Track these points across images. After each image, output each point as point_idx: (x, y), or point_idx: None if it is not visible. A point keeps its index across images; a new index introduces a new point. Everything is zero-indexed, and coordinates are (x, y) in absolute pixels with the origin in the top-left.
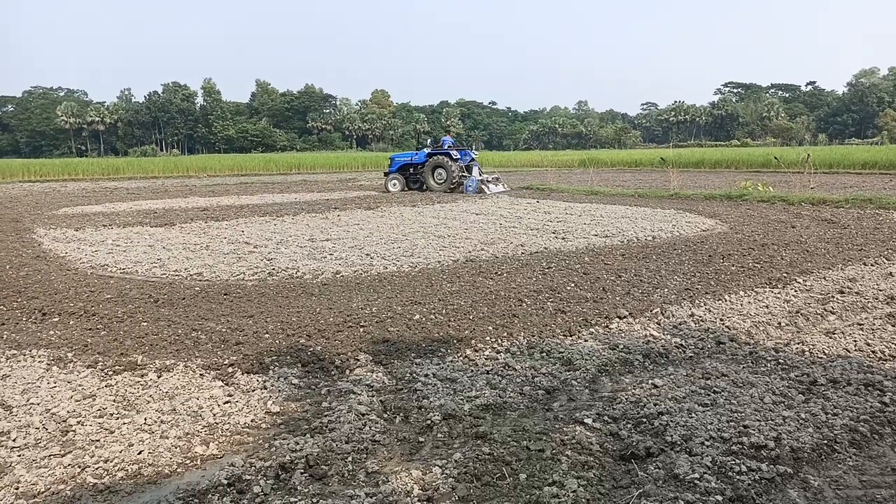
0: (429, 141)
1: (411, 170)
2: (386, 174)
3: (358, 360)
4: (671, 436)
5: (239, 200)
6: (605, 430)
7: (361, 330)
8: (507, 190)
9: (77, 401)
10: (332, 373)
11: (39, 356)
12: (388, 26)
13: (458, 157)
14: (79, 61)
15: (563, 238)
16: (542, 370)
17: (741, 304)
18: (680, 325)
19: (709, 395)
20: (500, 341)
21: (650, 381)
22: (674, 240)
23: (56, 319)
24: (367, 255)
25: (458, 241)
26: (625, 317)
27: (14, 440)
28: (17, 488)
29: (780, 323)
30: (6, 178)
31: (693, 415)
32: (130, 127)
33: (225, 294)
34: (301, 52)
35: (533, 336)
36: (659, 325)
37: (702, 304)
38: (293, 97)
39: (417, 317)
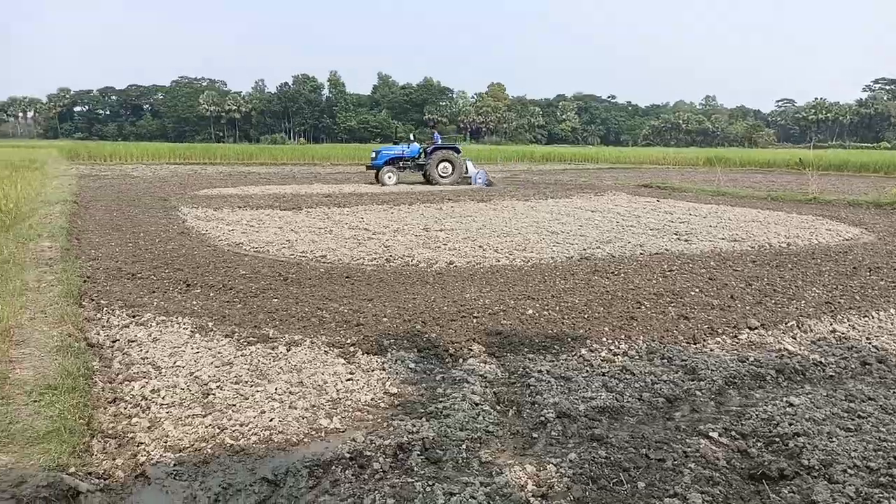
0: (412, 136)
1: (400, 163)
2: (369, 167)
3: (471, 350)
4: (808, 459)
5: (359, 189)
6: (732, 446)
7: (474, 321)
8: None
9: (216, 366)
10: (446, 360)
11: (184, 323)
12: (508, 17)
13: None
14: (220, 53)
15: (687, 240)
16: (663, 377)
17: (892, 323)
18: (819, 340)
19: (853, 419)
20: (617, 343)
21: (784, 399)
22: (812, 248)
23: (198, 291)
24: (480, 246)
25: (572, 237)
26: (756, 328)
27: (163, 398)
28: (165, 442)
29: None
30: (156, 160)
31: (834, 439)
32: (263, 116)
33: (346, 277)
34: (422, 45)
35: (653, 341)
36: (795, 339)
37: (845, 320)
38: (412, 90)
39: (530, 312)
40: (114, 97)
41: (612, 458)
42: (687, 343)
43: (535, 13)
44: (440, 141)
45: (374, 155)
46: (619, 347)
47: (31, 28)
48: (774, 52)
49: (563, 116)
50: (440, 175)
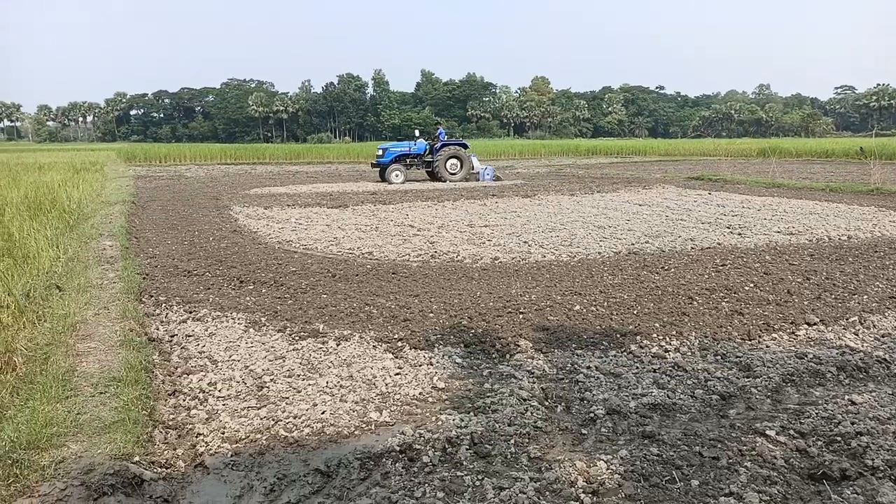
0: (417, 133)
1: (407, 160)
2: (374, 165)
3: (518, 345)
4: (872, 459)
5: (403, 186)
6: (790, 445)
7: (521, 316)
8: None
9: (270, 360)
10: (493, 356)
11: (238, 319)
12: (551, 10)
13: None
14: (268, 55)
15: (740, 234)
16: (717, 374)
17: None
18: (883, 337)
19: None
20: (668, 340)
21: (846, 397)
22: (874, 241)
23: (251, 287)
24: (525, 242)
25: (619, 232)
26: (815, 324)
27: (219, 391)
28: (222, 433)
29: None
30: (208, 161)
31: None
32: (309, 116)
33: (393, 273)
34: (465, 40)
35: (705, 337)
36: (856, 335)
37: None
38: (455, 86)
39: (577, 307)
40: (167, 100)
41: (664, 456)
42: (741, 339)
43: (579, 5)
44: (445, 137)
45: (380, 153)
46: (670, 344)
47: (89, 36)
48: (832, 35)
49: (610, 109)
50: (449, 172)
